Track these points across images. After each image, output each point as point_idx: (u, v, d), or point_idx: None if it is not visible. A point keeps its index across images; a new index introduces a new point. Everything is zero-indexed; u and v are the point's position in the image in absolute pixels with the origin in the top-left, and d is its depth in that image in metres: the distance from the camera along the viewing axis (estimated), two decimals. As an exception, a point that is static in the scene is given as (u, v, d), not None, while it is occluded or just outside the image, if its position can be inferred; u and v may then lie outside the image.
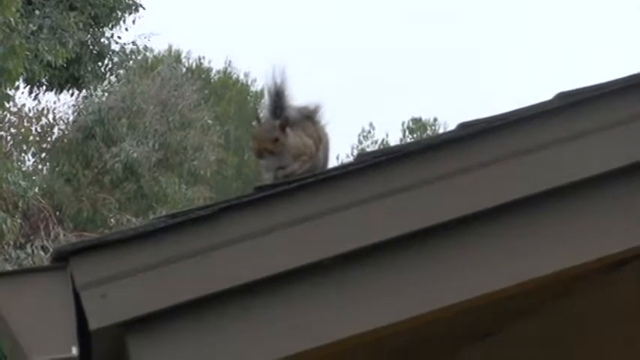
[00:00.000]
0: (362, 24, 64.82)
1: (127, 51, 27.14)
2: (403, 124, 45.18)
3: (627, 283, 4.93)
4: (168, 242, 3.70)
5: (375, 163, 3.75)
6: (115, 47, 26.50)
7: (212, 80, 41.13)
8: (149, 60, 33.48)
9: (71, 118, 32.20)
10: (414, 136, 42.65)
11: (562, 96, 3.80)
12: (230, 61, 42.85)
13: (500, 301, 4.20)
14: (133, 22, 26.35)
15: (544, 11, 70.29)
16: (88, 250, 3.70)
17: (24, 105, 30.32)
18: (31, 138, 32.37)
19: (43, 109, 31.64)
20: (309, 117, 4.92)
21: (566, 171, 3.77)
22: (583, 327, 5.59)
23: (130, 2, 25.71)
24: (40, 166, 32.62)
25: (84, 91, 28.15)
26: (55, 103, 31.20)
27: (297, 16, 64.07)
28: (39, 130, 32.69)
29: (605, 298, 5.15)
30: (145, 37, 28.57)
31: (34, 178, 29.93)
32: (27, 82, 24.43)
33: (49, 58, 22.86)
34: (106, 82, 28.55)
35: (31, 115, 31.81)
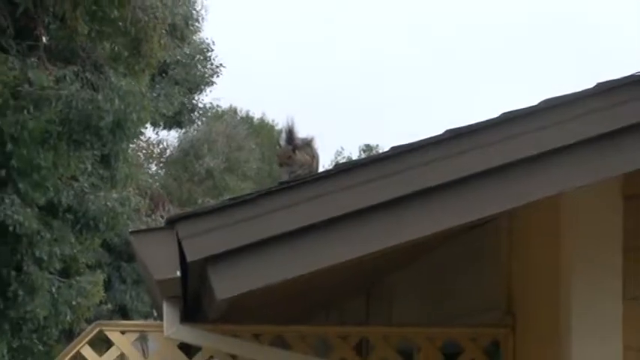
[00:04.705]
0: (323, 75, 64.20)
1: (207, 107, 27.22)
2: (359, 147, 45.19)
3: (485, 235, 4.93)
4: (231, 213, 3.67)
5: (343, 169, 3.72)
6: (200, 105, 26.59)
7: (254, 123, 41.04)
8: (219, 112, 33.44)
9: (176, 144, 32.35)
10: (367, 154, 42.47)
11: (449, 131, 3.70)
12: (264, 113, 42.97)
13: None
14: (210, 91, 26.53)
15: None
16: (186, 217, 3.69)
17: (149, 137, 30.50)
18: (154, 155, 32.48)
19: (160, 139, 31.83)
20: (308, 144, 4.91)
21: (450, 174, 3.66)
22: (453, 267, 5.52)
23: (208, 80, 25.82)
24: (159, 171, 32.69)
25: (183, 129, 28.40)
26: (167, 136, 31.48)
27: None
28: (158, 151, 32.79)
29: (474, 242, 5.13)
30: (216, 99, 28.95)
31: (156, 177, 30.05)
32: (152, 124, 24.49)
33: (164, 111, 22.94)
34: (195, 125, 28.66)
35: (154, 142, 31.96)
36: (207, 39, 25.43)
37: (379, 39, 68.43)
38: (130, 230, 4.10)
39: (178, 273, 3.94)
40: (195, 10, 23.41)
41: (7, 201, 14.90)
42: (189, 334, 4.55)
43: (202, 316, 4.54)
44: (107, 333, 4.70)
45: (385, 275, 6.48)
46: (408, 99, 65.70)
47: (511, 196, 3.67)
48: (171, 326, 4.51)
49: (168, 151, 33.05)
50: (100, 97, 15.03)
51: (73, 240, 16.39)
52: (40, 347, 17.15)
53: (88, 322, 15.08)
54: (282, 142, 4.91)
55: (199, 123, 28.68)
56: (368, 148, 44.25)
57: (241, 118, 39.62)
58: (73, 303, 16.86)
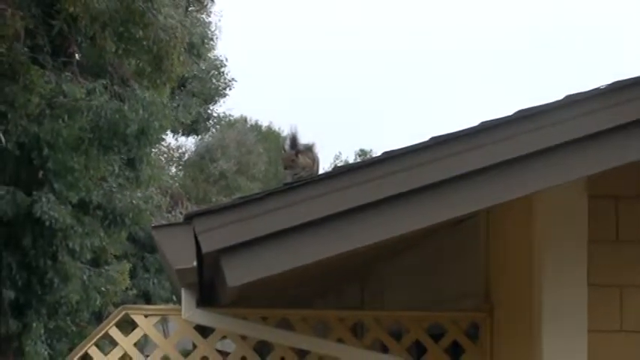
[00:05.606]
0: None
1: (220, 116, 27.20)
2: (355, 152, 45.09)
3: (467, 230, 4.92)
4: (241, 210, 3.63)
5: (340, 172, 3.70)
6: (214, 114, 26.57)
7: (262, 130, 40.98)
8: (231, 120, 33.44)
9: (193, 149, 32.29)
10: (362, 158, 42.25)
11: (434, 137, 3.67)
12: (271, 121, 42.93)
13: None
14: (223, 102, 26.54)
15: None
16: (202, 214, 3.65)
17: (170, 143, 30.46)
18: (174, 159, 32.42)
19: (179, 145, 31.80)
20: (309, 149, 4.90)
21: (436, 176, 3.63)
22: (438, 258, 5.50)
23: (221, 93, 25.81)
24: (178, 173, 32.67)
25: (200, 136, 28.34)
26: (185, 141, 31.42)
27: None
28: (177, 155, 32.75)
29: (457, 236, 5.12)
30: (229, 110, 28.97)
31: (175, 178, 29.99)
32: (172, 131, 24.47)
33: (183, 120, 22.90)
34: (210, 132, 28.62)
35: (173, 147, 31.90)
36: (220, 56, 25.50)
37: (378, 44, 67.70)
38: (152, 225, 4.10)
39: (195, 263, 3.94)
40: (210, 30, 23.45)
41: (44, 199, 14.99)
42: (205, 317, 4.57)
43: (216, 301, 4.53)
44: (132, 316, 4.70)
45: (378, 266, 6.47)
46: (404, 104, 65.20)
47: (490, 195, 3.65)
48: (188, 310, 4.54)
49: (186, 155, 33.11)
50: (126, 107, 15.11)
51: (102, 233, 16.44)
52: (73, 328, 17.28)
53: (116, 306, 15.07)
54: (287, 147, 4.90)
55: (214, 130, 28.70)
56: (363, 152, 44.17)
57: (251, 126, 39.61)
58: (102, 289, 16.96)
